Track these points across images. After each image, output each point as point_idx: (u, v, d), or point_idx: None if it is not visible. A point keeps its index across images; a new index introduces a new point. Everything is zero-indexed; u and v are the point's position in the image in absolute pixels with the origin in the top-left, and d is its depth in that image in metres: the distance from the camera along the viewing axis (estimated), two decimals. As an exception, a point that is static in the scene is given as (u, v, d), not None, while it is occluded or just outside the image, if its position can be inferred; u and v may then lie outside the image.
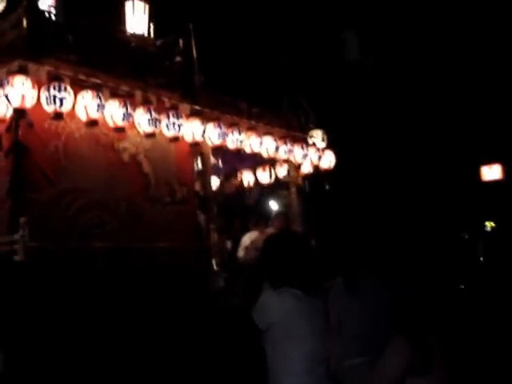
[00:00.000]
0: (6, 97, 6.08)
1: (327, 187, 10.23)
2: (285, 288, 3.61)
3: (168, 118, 7.22)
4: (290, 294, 3.58)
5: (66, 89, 6.29)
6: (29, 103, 6.08)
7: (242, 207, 10.61)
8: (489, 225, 18.91)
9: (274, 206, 11.21)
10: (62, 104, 6.26)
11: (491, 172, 20.63)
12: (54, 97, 6.19)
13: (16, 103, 6.04)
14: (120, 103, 6.68)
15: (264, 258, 3.80)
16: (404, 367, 2.59)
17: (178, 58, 8.38)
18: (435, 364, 2.57)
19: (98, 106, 6.52)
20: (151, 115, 6.98)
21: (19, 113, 6.13)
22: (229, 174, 10.64)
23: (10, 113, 6.36)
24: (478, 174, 20.67)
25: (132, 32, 8.30)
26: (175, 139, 7.43)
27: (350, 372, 4.26)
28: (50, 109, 6.25)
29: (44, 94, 6.18)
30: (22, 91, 6.01)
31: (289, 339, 3.53)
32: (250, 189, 10.82)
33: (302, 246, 3.86)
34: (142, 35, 8.38)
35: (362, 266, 4.49)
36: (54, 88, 6.21)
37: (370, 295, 4.34)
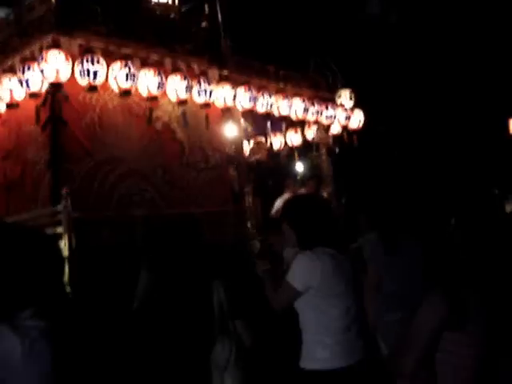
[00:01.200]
0: (42, 72, 6.19)
1: (356, 146, 10.22)
2: (319, 248, 3.66)
3: (199, 84, 7.28)
4: (326, 253, 3.64)
5: (98, 61, 6.38)
6: (64, 77, 6.19)
7: (274, 170, 10.65)
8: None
9: (305, 168, 11.23)
10: (95, 76, 6.37)
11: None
12: (88, 70, 6.30)
13: (51, 78, 6.15)
14: (153, 72, 6.75)
15: (290, 221, 3.79)
16: (439, 322, 2.64)
17: (203, 24, 8.41)
18: (471, 320, 2.61)
19: (130, 76, 6.60)
20: (186, 82, 7.04)
21: (55, 87, 6.24)
22: (259, 138, 10.68)
23: (45, 87, 6.45)
24: (507, 126, 20.38)
25: (156, 1, 8.31)
26: (206, 105, 7.50)
27: (389, 327, 4.36)
28: (84, 82, 6.36)
29: (78, 68, 6.28)
30: (56, 65, 6.12)
31: (329, 298, 3.59)
32: (280, 152, 10.86)
33: (322, 204, 3.93)
34: (167, 3, 8.38)
35: (400, 228, 4.53)
36: (88, 61, 6.31)
37: (407, 254, 4.41)
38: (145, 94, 6.86)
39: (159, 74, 6.81)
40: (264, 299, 4.79)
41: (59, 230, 6.07)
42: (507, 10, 16.61)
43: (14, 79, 6.59)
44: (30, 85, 6.44)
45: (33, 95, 6.55)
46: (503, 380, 2.68)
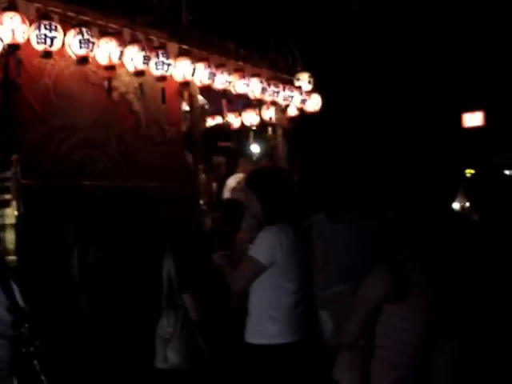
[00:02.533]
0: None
1: (312, 129, 10.29)
2: (283, 223, 3.67)
3: (157, 56, 7.17)
4: (289, 228, 3.65)
5: (56, 28, 6.20)
6: (20, 38, 5.99)
7: (228, 149, 10.61)
8: (469, 172, 19.05)
9: (259, 148, 11.23)
10: (52, 43, 6.19)
11: (473, 119, 20.75)
12: (45, 36, 6.11)
13: (7, 39, 5.96)
14: (111, 41, 6.63)
15: (259, 192, 3.77)
16: (384, 293, 2.70)
17: (166, -4, 8.29)
18: (413, 293, 2.67)
19: (84, 42, 6.43)
20: (144, 53, 6.93)
21: (12, 48, 6.04)
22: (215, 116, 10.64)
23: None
24: (459, 120, 20.78)
25: (120, -31, 8.14)
26: (163, 78, 7.40)
27: (332, 299, 4.42)
28: (40, 48, 6.18)
29: (34, 33, 6.10)
30: (11, 27, 5.92)
31: (287, 273, 3.62)
32: (235, 131, 10.83)
33: (289, 180, 3.94)
34: (130, -29, 8.22)
35: (344, 200, 4.59)
36: (45, 27, 6.12)
37: (352, 227, 4.47)
38: (102, 62, 6.72)
39: (117, 43, 6.67)
40: (211, 274, 4.80)
41: (7, 196, 5.94)
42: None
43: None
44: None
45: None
46: (442, 361, 2.75)
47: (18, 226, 5.80)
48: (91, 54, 6.55)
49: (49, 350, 2.52)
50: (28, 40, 6.11)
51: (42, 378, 2.37)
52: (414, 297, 2.67)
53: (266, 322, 3.63)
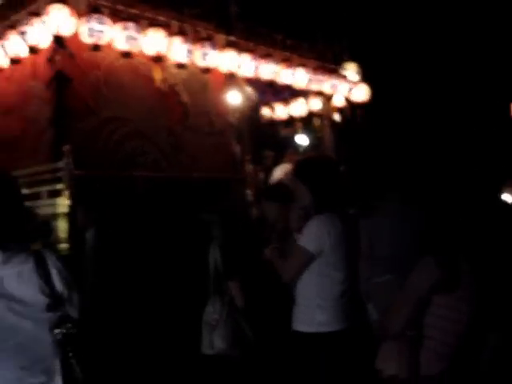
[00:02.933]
0: (44, 25, 6.14)
1: (359, 120, 10.21)
2: (331, 212, 3.66)
3: (204, 48, 7.24)
4: (337, 217, 3.65)
5: (105, 22, 6.33)
6: (67, 31, 6.13)
7: (275, 140, 10.63)
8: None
9: (306, 139, 11.21)
10: (102, 37, 6.33)
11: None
12: (95, 29, 6.25)
13: (54, 31, 6.11)
14: (160, 33, 6.71)
15: (308, 181, 3.75)
16: (432, 284, 2.69)
17: (213, -12, 8.33)
18: (461, 285, 2.65)
19: (128, 38, 6.56)
20: (191, 45, 7.02)
21: (59, 41, 6.18)
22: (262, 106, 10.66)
23: (48, 42, 6.41)
24: (508, 110, 20.33)
25: (167, -38, 8.22)
26: (208, 70, 7.47)
27: (377, 288, 4.38)
28: (90, 41, 6.31)
29: (85, 27, 6.22)
30: (59, 19, 6.06)
31: (335, 263, 3.62)
32: (282, 121, 10.84)
33: (338, 169, 3.93)
34: (178, -35, 8.29)
35: (390, 189, 4.53)
36: (97, 21, 6.25)
37: (398, 217, 4.42)
38: (149, 54, 6.82)
39: (165, 35, 6.77)
40: (258, 262, 4.83)
41: (59, 186, 6.09)
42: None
43: (18, 34, 6.54)
44: (33, 39, 6.40)
45: (35, 50, 6.50)
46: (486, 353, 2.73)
47: (69, 215, 5.93)
48: (136, 49, 6.63)
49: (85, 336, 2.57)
50: (77, 34, 6.25)
51: (73, 362, 2.43)
52: (461, 287, 2.66)
53: (314, 310, 3.64)
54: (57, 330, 2.37)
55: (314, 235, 3.61)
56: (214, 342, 4.63)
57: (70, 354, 2.40)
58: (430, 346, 2.76)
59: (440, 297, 2.69)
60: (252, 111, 9.98)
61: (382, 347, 3.00)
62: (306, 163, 3.95)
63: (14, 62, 6.84)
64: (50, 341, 2.36)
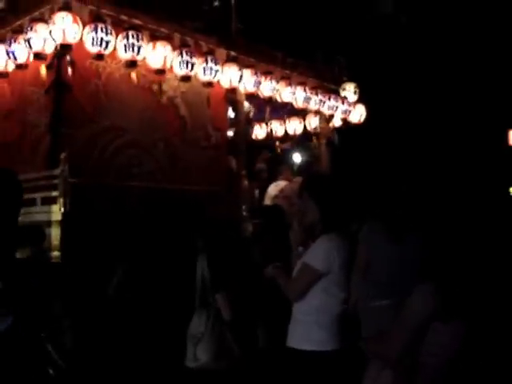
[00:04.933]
0: (49, 32, 6.16)
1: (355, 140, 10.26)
2: (337, 232, 3.65)
3: (206, 62, 7.26)
4: (342, 236, 3.65)
5: (111, 32, 6.35)
6: (71, 38, 6.14)
7: (271, 157, 10.65)
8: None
9: (302, 157, 11.24)
10: (107, 46, 6.35)
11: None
12: (101, 39, 6.27)
13: (58, 38, 6.12)
14: (162, 45, 6.74)
15: (319, 200, 3.71)
16: (429, 313, 2.67)
17: (216, 3, 8.39)
18: (459, 313, 2.64)
19: (129, 46, 6.55)
20: (188, 58, 7.01)
21: (64, 48, 6.20)
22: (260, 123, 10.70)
23: (50, 49, 6.42)
24: (505, 138, 20.42)
25: (171, -26, 8.26)
26: (210, 84, 7.49)
27: (372, 313, 4.36)
28: (94, 49, 6.32)
29: (90, 35, 6.24)
30: (63, 26, 6.08)
31: (340, 282, 3.62)
32: (279, 139, 10.87)
33: (345, 189, 3.92)
34: (182, -22, 8.34)
35: (407, 218, 4.48)
36: (101, 30, 6.27)
37: (408, 248, 4.38)
38: (152, 66, 6.83)
39: (167, 48, 6.79)
40: (247, 277, 4.79)
41: (54, 193, 6.06)
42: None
43: (22, 39, 6.54)
44: (35, 45, 6.40)
45: (38, 56, 6.50)
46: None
47: (63, 223, 5.91)
48: (138, 58, 6.65)
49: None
50: (80, 41, 6.26)
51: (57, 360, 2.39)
52: (456, 314, 2.64)
53: (311, 327, 3.61)
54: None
55: (323, 254, 3.59)
56: (198, 354, 4.59)
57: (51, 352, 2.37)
58: (425, 373, 2.74)
59: (436, 324, 2.67)
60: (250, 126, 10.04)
61: (368, 369, 2.99)
62: (315, 179, 3.95)
63: (18, 67, 6.84)
64: None
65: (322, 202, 3.67)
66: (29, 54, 6.59)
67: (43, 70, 6.61)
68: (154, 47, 6.77)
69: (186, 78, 7.21)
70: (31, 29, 6.33)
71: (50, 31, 6.15)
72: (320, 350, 3.56)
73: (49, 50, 6.43)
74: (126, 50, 6.53)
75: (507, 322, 2.76)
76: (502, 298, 2.80)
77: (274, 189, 9.21)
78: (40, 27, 6.30)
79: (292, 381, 3.66)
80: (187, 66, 7.02)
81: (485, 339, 2.71)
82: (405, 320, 2.75)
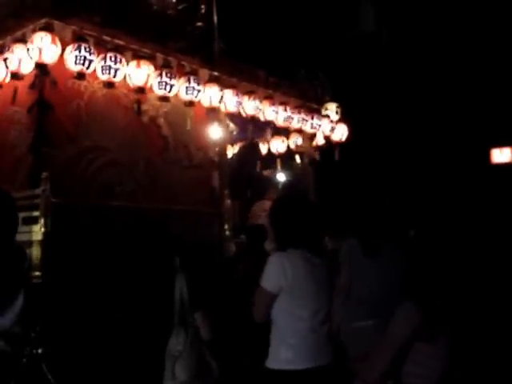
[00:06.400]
0: (27, 51, 6.19)
1: (338, 159, 10.31)
2: (293, 250, 3.65)
3: (188, 81, 7.30)
4: (299, 255, 3.64)
5: (94, 51, 6.39)
6: (49, 58, 6.17)
7: (254, 176, 10.67)
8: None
9: (285, 176, 11.26)
10: (89, 65, 6.38)
11: (501, 155, 20.54)
12: (84, 57, 6.30)
13: (35, 58, 6.14)
14: (143, 65, 6.77)
15: (272, 219, 3.77)
16: (412, 332, 2.67)
17: (198, 24, 8.43)
18: (442, 332, 2.64)
19: (115, 69, 6.60)
20: (167, 79, 7.06)
21: (41, 68, 6.21)
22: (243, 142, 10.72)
23: (30, 69, 6.44)
24: (488, 156, 20.59)
25: (154, -5, 8.31)
26: (191, 104, 7.52)
27: (356, 333, 4.35)
28: (76, 69, 6.35)
29: (73, 54, 6.27)
30: (41, 46, 6.11)
31: (298, 299, 3.60)
32: (262, 158, 10.89)
33: (306, 207, 3.91)
34: (164, -1, 8.39)
35: (382, 233, 4.51)
36: (85, 49, 6.31)
37: (385, 261, 4.40)
38: (133, 86, 6.86)
39: (149, 67, 6.84)
40: (227, 295, 4.77)
41: (35, 213, 6.04)
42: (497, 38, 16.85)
43: (1, 59, 6.58)
44: (11, 65, 6.44)
45: (15, 76, 6.53)
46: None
47: (44, 243, 5.89)
48: (115, 80, 6.67)
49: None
50: (62, 61, 6.28)
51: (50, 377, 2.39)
52: (438, 333, 2.64)
53: (279, 347, 3.62)
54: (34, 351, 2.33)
55: (270, 273, 3.60)
56: (176, 372, 4.57)
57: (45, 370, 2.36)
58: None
59: (419, 343, 2.67)
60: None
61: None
62: (275, 203, 3.97)
63: (-1, 86, 6.84)
64: None
65: (273, 221, 3.71)
66: (7, 73, 6.60)
67: (24, 89, 6.59)
68: (138, 65, 6.80)
69: (164, 99, 7.25)
70: (8, 49, 6.40)
71: (28, 50, 6.18)
72: (288, 369, 3.56)
73: (26, 69, 6.44)
74: (102, 71, 6.56)
75: (492, 332, 2.78)
76: (484, 307, 2.82)
77: (258, 208, 9.23)
78: (17, 47, 6.36)
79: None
80: (165, 87, 7.06)
81: (470, 350, 2.72)
82: (388, 339, 2.75)
